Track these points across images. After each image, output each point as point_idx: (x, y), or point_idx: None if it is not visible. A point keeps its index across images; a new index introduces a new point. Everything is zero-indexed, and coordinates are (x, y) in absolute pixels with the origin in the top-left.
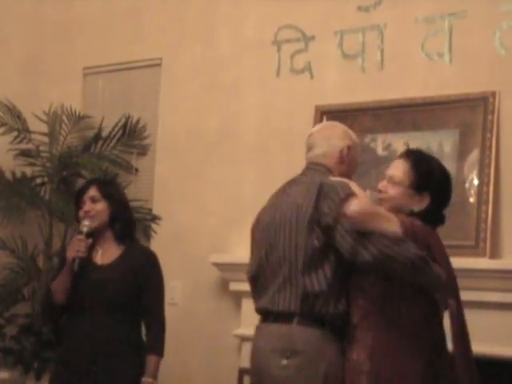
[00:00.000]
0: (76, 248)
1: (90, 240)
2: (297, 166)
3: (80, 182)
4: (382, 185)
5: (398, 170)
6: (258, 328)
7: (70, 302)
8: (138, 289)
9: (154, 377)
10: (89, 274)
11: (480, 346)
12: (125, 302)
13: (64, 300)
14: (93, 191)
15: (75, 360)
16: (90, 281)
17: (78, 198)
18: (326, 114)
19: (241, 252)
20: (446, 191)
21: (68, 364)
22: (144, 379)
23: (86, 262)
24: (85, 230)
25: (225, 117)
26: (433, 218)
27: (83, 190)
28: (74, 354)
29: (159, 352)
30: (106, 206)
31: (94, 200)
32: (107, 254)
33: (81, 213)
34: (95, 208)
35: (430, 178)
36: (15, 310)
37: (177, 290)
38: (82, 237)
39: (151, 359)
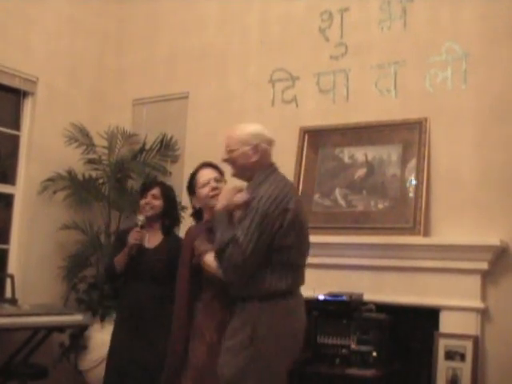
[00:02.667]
0: (135, 237)
1: (144, 231)
2: (285, 171)
3: (130, 182)
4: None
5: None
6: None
7: (126, 272)
8: (171, 267)
9: None
10: (139, 254)
11: (415, 299)
12: (162, 275)
13: (122, 270)
14: (155, 190)
15: (131, 311)
16: (140, 259)
17: (143, 191)
18: (307, 132)
19: None
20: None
21: (127, 313)
22: None
23: (139, 246)
24: (139, 223)
25: None
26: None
27: (149, 187)
28: (130, 308)
29: None
30: (161, 204)
31: (154, 197)
32: (153, 239)
33: (142, 202)
34: (154, 202)
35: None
36: (85, 273)
37: None
38: (138, 229)
39: None
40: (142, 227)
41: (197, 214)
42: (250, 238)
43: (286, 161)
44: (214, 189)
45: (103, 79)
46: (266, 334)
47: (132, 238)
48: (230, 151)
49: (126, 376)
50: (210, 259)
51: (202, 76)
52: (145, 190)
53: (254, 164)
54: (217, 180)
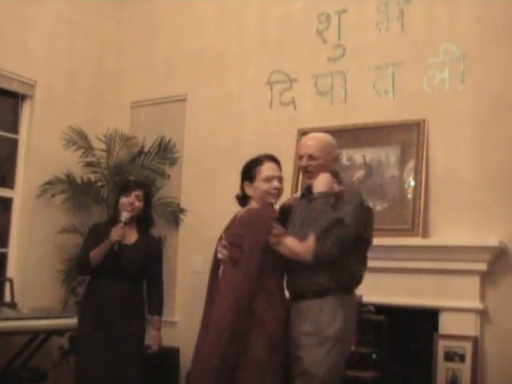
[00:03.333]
0: (119, 233)
1: (127, 227)
2: (283, 173)
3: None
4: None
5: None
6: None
7: (100, 266)
8: (148, 263)
9: (159, 330)
10: (118, 250)
11: (414, 300)
12: (137, 271)
13: (98, 264)
14: (140, 192)
15: (103, 305)
16: (120, 255)
17: (127, 189)
18: (305, 134)
19: None
20: None
21: (97, 308)
22: (153, 332)
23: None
24: (123, 220)
25: (231, 137)
26: None
27: (134, 188)
28: (103, 302)
29: (161, 313)
30: (142, 205)
31: (138, 198)
32: (129, 237)
33: (124, 200)
34: (136, 204)
35: None
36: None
37: (198, 262)
38: (122, 225)
39: (157, 319)
40: (125, 224)
41: (241, 200)
42: (351, 221)
43: (283, 163)
44: (276, 189)
45: (101, 81)
46: (348, 328)
47: (115, 234)
48: (313, 158)
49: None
50: (290, 242)
51: (201, 77)
52: (129, 188)
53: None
54: (279, 180)
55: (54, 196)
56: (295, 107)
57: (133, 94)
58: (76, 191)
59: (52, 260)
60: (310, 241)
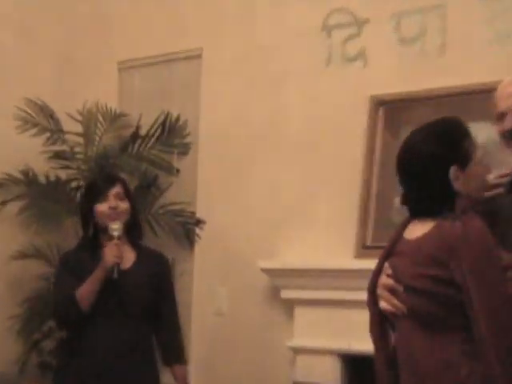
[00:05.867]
0: (115, 253)
1: (122, 243)
2: (348, 163)
3: None
4: None
5: None
6: None
7: (95, 307)
8: (158, 295)
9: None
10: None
11: None
12: (146, 307)
13: (91, 306)
14: (118, 188)
15: (97, 367)
16: (113, 286)
17: (98, 192)
18: (382, 104)
19: (291, 257)
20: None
21: (89, 370)
22: None
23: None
24: (116, 234)
25: (270, 112)
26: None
27: (108, 186)
28: (97, 362)
29: (185, 361)
30: (129, 206)
31: (119, 197)
32: (124, 258)
33: (101, 209)
34: (121, 206)
35: None
36: (52, 324)
37: (222, 298)
38: (117, 241)
39: (181, 369)
40: (119, 239)
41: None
42: None
43: (349, 147)
44: (495, 186)
45: (74, 33)
46: None
47: (111, 255)
48: None
49: None
50: None
51: (222, 24)
52: (102, 189)
53: None
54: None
55: (4, 204)
56: (366, 64)
57: (121, 50)
58: (38, 196)
59: (2, 301)
60: None
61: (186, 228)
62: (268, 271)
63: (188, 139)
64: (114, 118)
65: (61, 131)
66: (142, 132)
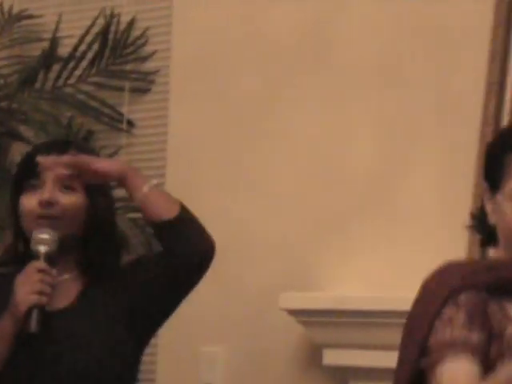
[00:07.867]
0: (36, 288)
1: (54, 270)
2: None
3: (19, 148)
4: None
5: None
6: None
7: (7, 373)
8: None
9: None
10: (43, 326)
11: None
12: (109, 369)
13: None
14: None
15: None
16: (32, 348)
17: (22, 175)
18: None
19: (342, 287)
20: None
21: None
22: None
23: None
24: (43, 249)
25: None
26: None
27: (43, 160)
28: None
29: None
30: (83, 201)
31: (64, 185)
32: (63, 290)
33: (26, 202)
34: (64, 199)
35: None
36: None
37: (216, 364)
38: (43, 265)
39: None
40: (50, 260)
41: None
42: None
43: (465, 62)
44: None
45: None
46: None
47: (28, 293)
48: None
49: None
50: None
51: None
52: (29, 169)
53: None
54: None
55: None
56: None
57: None
58: None
59: None
60: None
61: (145, 232)
62: (295, 313)
63: (150, 64)
64: (12, 22)
65: None
66: (65, 50)
